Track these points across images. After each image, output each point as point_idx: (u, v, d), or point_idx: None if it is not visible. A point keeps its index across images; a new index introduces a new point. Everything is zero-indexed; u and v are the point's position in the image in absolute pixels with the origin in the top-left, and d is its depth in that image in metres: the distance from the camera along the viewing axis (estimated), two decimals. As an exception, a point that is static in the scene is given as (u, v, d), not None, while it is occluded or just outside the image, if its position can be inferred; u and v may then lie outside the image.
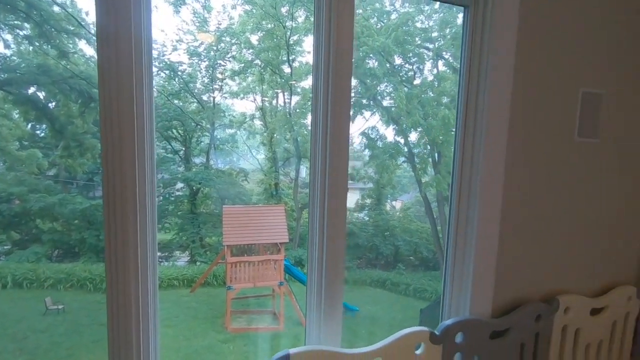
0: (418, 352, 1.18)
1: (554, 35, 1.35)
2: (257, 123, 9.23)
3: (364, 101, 8.74)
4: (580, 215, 1.51)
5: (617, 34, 1.46)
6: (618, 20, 1.45)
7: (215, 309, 6.21)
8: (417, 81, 8.80)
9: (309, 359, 1.02)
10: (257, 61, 8.52)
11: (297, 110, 8.86)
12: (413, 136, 8.85)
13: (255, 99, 8.97)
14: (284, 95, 9.12)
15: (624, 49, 1.48)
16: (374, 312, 7.08)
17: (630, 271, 1.67)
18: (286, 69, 8.80)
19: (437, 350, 1.19)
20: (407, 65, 8.71)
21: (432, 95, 8.37)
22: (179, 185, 8.19)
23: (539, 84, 1.35)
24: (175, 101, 7.92)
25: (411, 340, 1.16)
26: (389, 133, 9.04)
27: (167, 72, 7.65)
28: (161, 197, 7.96)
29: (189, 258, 8.06)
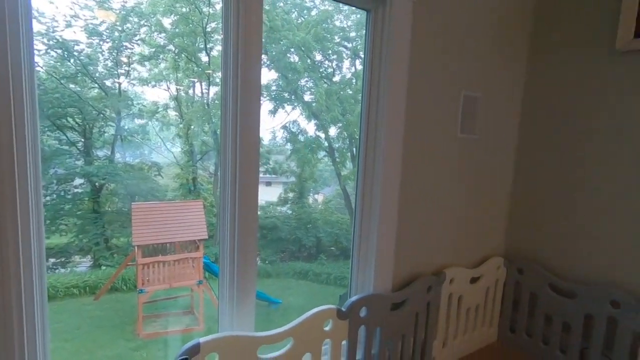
0: (327, 328, 1.27)
1: (441, 44, 1.55)
2: (172, 114, 8.61)
3: (286, 95, 8.78)
4: (461, 200, 1.78)
5: (489, 46, 1.74)
6: (490, 34, 1.73)
7: (125, 315, 5.70)
8: (336, 78, 9.12)
9: (221, 345, 1.03)
10: (171, 47, 7.93)
11: (217, 102, 8.49)
12: (333, 131, 9.19)
13: (169, 88, 8.34)
14: (201, 85, 8.66)
15: (494, 58, 1.77)
16: (297, 303, 7.24)
17: (499, 245, 2.03)
18: (204, 58, 8.36)
19: (344, 325, 1.31)
20: (327, 62, 8.97)
21: (350, 92, 8.77)
22: (78, 181, 7.24)
23: (429, 87, 1.55)
24: (72, 85, 6.95)
25: (320, 318, 1.25)
26: (310, 128, 9.23)
27: (59, 51, 6.64)
28: (54, 195, 6.94)
29: (91, 262, 7.21)
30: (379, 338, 1.43)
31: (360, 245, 1.54)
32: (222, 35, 1.11)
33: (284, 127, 9.00)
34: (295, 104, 8.91)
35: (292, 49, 8.30)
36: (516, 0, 1.79)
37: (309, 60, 8.63)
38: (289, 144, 9.32)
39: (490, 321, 1.91)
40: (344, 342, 1.33)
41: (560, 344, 1.71)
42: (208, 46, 8.13)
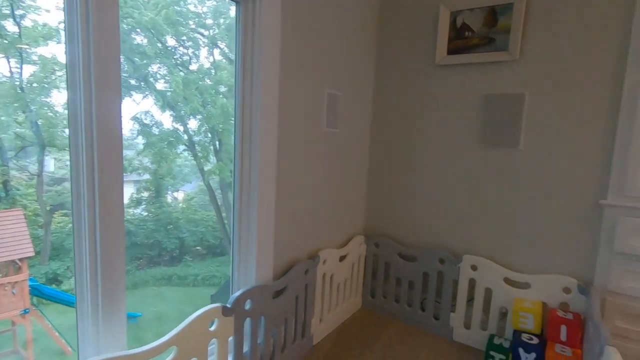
0: (212, 328, 1.23)
1: (308, 44, 1.66)
2: (-39, 98, 6.44)
3: (133, 82, 7.71)
4: (329, 188, 1.97)
5: (346, 51, 1.96)
6: (346, 41, 1.94)
7: None
8: (193, 66, 8.51)
9: (88, 376, 0.88)
10: (-48, 7, 5.88)
11: (35, 85, 6.79)
12: (193, 123, 8.59)
13: (-48, 63, 6.19)
14: (8, 62, 6.74)
15: (351, 63, 2.00)
16: (161, 312, 6.59)
17: (361, 225, 2.33)
18: (10, 27, 6.51)
19: (230, 321, 1.29)
20: (181, 49, 8.27)
21: (210, 83, 8.35)
22: None
23: (299, 84, 1.65)
24: None
25: (204, 319, 1.20)
26: (166, 119, 8.39)
27: None
28: None
29: None
30: (264, 327, 1.47)
31: (241, 240, 1.53)
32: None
33: (135, 119, 7.91)
34: (147, 93, 7.92)
35: (139, 30, 7.32)
36: (363, 19, 2.07)
37: (159, 45, 7.78)
38: (140, 137, 8.24)
39: (355, 292, 2.20)
40: (230, 339, 1.32)
41: (408, 299, 2.10)
42: (16, 12, 6.37)
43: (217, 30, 8.34)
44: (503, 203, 1.88)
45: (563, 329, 1.53)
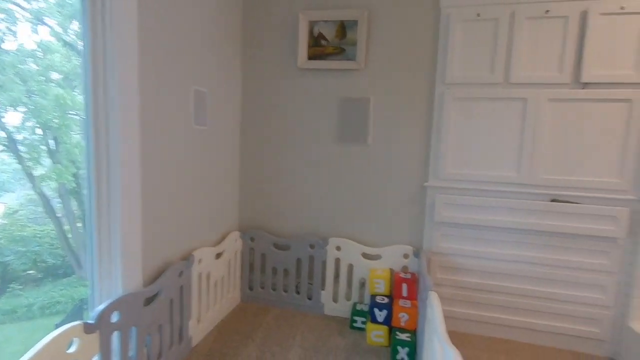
0: (71, 350, 1.09)
1: (172, 38, 1.59)
2: None
3: None
4: (201, 186, 1.93)
5: (210, 48, 1.95)
6: (209, 38, 1.93)
7: None
8: (9, 45, 6.77)
9: None
10: None
11: None
12: (13, 118, 6.85)
13: None
14: None
15: (216, 60, 2.00)
16: (-23, 362, 5.11)
17: (235, 220, 2.36)
18: None
19: (94, 338, 1.16)
20: (-12, 21, 6.47)
21: (37, 68, 6.79)
22: None
23: (163, 79, 1.57)
24: None
25: (60, 342, 1.05)
26: (-32, 111, 6.44)
27: None
28: None
29: None
30: (135, 338, 1.37)
31: (100, 250, 1.37)
32: None
33: None
34: None
35: None
36: (225, 19, 2.09)
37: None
38: None
39: (234, 287, 2.22)
40: (95, 358, 1.19)
41: (284, 286, 2.25)
42: None
43: (43, 4, 6.83)
44: (358, 190, 2.21)
45: (404, 286, 1.92)
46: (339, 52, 2.10)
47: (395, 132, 2.12)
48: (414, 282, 1.93)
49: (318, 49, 2.13)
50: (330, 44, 2.11)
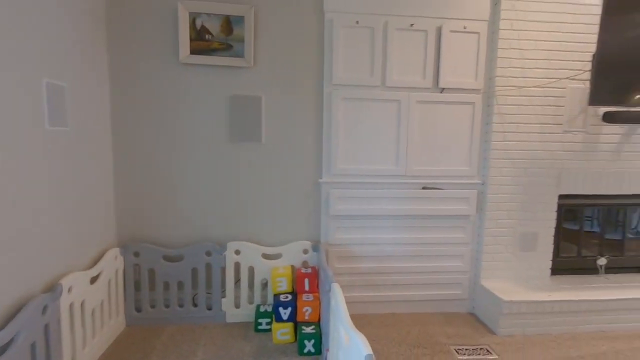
0: None
1: (10, 20, 1.26)
2: None
3: None
4: (61, 198, 1.61)
5: (73, 30, 1.62)
6: (68, 24, 1.60)
7: None
8: None
9: None
10: None
11: None
12: None
13: None
14: None
15: (77, 49, 1.67)
16: None
17: (113, 236, 2.04)
18: None
19: None
20: None
21: None
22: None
23: (-4, 66, 1.23)
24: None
25: None
26: None
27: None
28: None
29: None
30: (-18, 403, 1.06)
31: None
32: None
33: None
34: None
35: None
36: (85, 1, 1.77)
37: None
38: None
39: (116, 312, 1.93)
40: None
41: (179, 300, 2.06)
42: None
43: None
44: (254, 191, 2.17)
45: (306, 281, 1.98)
46: (226, 48, 2.01)
47: (289, 131, 2.15)
48: (315, 275, 2.01)
49: (202, 43, 1.99)
50: (215, 39, 1.99)
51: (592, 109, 2.19)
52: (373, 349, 1.86)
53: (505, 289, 2.17)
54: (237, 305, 2.11)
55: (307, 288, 1.98)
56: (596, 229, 2.46)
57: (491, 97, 2.17)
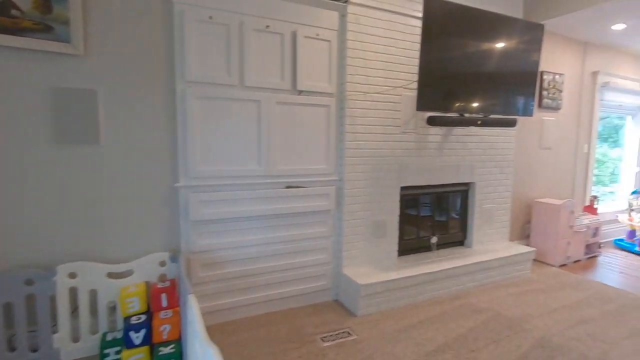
0: None
1: None
2: None
3: None
4: None
5: None
6: None
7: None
8: None
9: None
10: None
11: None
12: None
13: None
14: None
15: None
16: None
17: None
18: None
19: None
20: None
21: None
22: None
23: None
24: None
25: None
26: None
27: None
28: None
29: None
30: None
31: None
32: None
33: None
34: None
35: None
36: None
37: None
38: None
39: None
40: None
41: (-15, 348, 1.60)
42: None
43: None
44: (91, 200, 1.85)
45: (163, 297, 1.80)
46: (44, 29, 1.65)
47: (135, 131, 1.91)
48: (173, 288, 1.83)
49: (6, 20, 1.58)
50: (26, 17, 1.61)
51: (420, 113, 2.63)
52: (241, 356, 1.82)
53: (363, 273, 2.42)
54: (76, 339, 1.76)
55: (164, 304, 1.80)
56: (430, 214, 2.97)
57: (343, 101, 2.37)
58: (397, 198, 2.63)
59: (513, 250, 2.97)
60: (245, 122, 2.12)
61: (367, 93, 2.42)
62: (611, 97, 4.00)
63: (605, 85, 3.89)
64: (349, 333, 2.08)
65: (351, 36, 2.33)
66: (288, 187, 2.28)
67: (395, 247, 2.67)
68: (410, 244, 2.84)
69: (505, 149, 3.10)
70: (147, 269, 1.90)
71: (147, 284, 1.88)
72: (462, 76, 2.42)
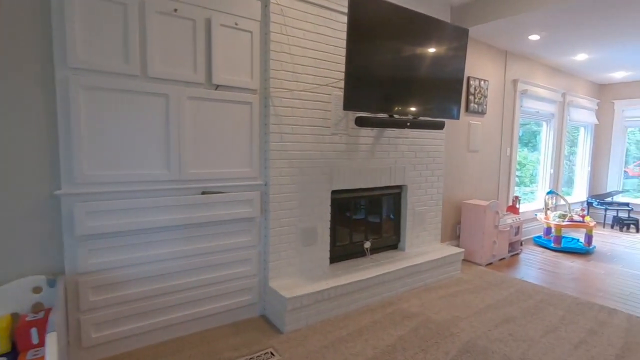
0: None
1: None
2: None
3: None
4: None
5: None
6: None
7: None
8: None
9: None
10: None
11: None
12: None
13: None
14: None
15: None
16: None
17: None
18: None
19: None
20: None
21: None
22: None
23: None
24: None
25: None
26: None
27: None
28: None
29: None
30: None
31: None
32: None
33: None
34: None
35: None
36: None
37: None
38: None
39: None
40: None
41: None
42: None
43: None
44: (-63, 214, 1.44)
45: (34, 332, 1.45)
46: None
47: (-1, 126, 1.53)
48: (47, 321, 1.49)
49: None
50: None
51: (351, 114, 2.53)
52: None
53: (291, 285, 2.24)
54: None
55: (35, 341, 1.45)
56: (363, 218, 2.89)
57: (268, 98, 2.18)
58: (328, 202, 2.49)
59: (444, 251, 3.00)
60: (150, 120, 1.83)
61: (294, 91, 2.25)
62: (530, 104, 4.29)
63: (524, 93, 4.16)
64: (272, 354, 1.89)
65: (275, 28, 2.14)
66: (204, 192, 2.02)
67: (327, 255, 2.53)
68: (343, 250, 2.73)
69: (435, 151, 3.13)
70: (14, 298, 1.53)
71: (14, 316, 1.51)
72: (390, 76, 2.35)
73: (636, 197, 5.50)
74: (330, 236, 2.57)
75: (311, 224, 2.42)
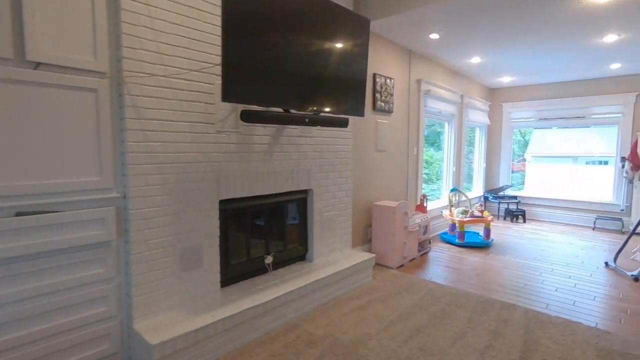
0: None
1: None
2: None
3: None
4: None
5: None
6: None
7: None
8: None
9: None
10: None
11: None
12: None
13: None
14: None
15: None
16: None
17: None
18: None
19: None
20: None
21: None
22: None
23: None
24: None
25: None
26: None
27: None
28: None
29: None
30: None
31: None
32: None
33: None
34: None
35: None
36: None
37: None
38: None
39: None
40: None
41: None
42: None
43: None
44: None
45: None
46: None
47: None
48: None
49: None
50: None
51: (242, 107, 2.13)
52: None
53: (165, 323, 1.76)
54: None
55: None
56: (263, 229, 2.51)
57: (122, 85, 1.67)
58: (216, 214, 2.06)
59: (355, 259, 2.79)
60: None
61: (161, 77, 1.78)
62: (433, 105, 4.39)
63: (427, 93, 4.23)
64: None
65: (129, -7, 1.64)
66: (19, 214, 1.43)
67: (217, 278, 2.10)
68: (240, 269, 2.32)
69: (342, 151, 2.90)
70: None
71: None
72: (283, 64, 2.02)
73: (519, 189, 6.18)
74: (221, 254, 2.14)
75: (194, 243, 1.97)
